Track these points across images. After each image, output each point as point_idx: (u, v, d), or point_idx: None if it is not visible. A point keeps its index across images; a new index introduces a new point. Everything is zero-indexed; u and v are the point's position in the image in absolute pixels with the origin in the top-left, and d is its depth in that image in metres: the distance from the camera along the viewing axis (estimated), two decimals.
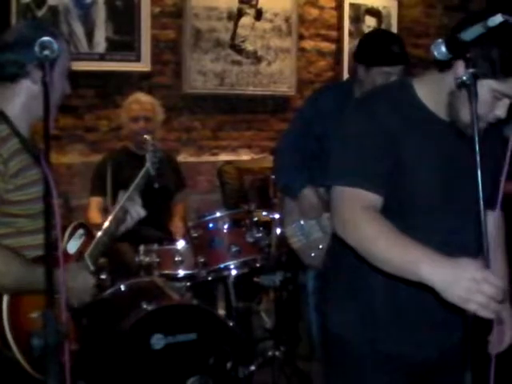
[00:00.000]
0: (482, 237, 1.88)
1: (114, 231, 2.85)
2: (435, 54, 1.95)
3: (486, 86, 2.04)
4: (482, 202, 1.89)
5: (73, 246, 2.67)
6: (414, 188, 2.19)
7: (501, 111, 2.12)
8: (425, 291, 1.95)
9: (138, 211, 2.91)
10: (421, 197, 2.20)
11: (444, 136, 2.22)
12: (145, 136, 3.87)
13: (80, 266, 2.62)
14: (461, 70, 2.03)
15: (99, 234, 2.78)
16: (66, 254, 2.63)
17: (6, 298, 2.32)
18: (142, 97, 5.03)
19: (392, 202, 2.16)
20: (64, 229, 2.66)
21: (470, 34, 1.87)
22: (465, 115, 2.11)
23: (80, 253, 2.69)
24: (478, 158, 1.90)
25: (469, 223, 2.24)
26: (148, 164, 3.39)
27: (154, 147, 3.53)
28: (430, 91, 2.23)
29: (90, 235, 2.76)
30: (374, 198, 2.13)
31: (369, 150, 2.15)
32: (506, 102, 2.10)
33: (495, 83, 2.03)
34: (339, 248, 2.27)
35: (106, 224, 2.82)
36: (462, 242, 2.20)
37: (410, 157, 2.17)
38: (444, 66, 2.12)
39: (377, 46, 3.63)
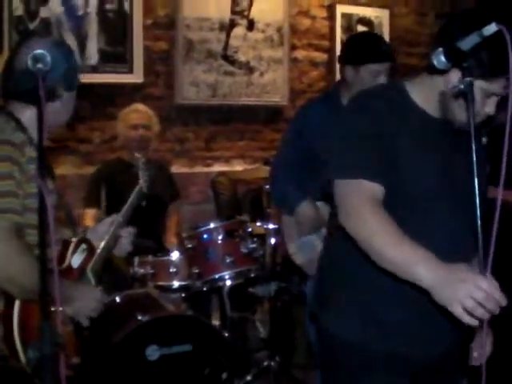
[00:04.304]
0: (477, 241, 1.90)
1: (112, 247, 2.90)
2: (435, 63, 1.98)
3: (475, 86, 2.06)
4: (478, 208, 1.89)
5: (76, 261, 2.71)
6: (410, 186, 2.22)
7: (490, 108, 2.18)
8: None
9: (125, 245, 2.98)
10: (416, 195, 2.23)
11: (438, 134, 2.27)
12: (136, 154, 3.91)
13: (83, 287, 2.68)
14: (452, 73, 2.09)
15: (99, 250, 2.82)
16: (69, 268, 2.68)
17: (16, 308, 2.35)
18: (140, 106, 5.09)
19: (386, 199, 2.17)
20: (67, 244, 2.70)
21: (467, 43, 1.90)
22: (458, 114, 2.18)
23: (82, 268, 2.72)
24: (475, 167, 1.92)
25: (463, 222, 2.26)
26: (141, 182, 3.41)
27: (146, 165, 3.56)
28: (422, 92, 2.28)
29: (91, 250, 2.79)
30: (377, 188, 2.15)
31: (369, 143, 2.17)
32: (495, 99, 2.16)
33: (484, 83, 2.09)
34: (338, 248, 2.32)
35: (105, 241, 2.86)
36: (454, 240, 2.23)
37: (406, 154, 2.20)
38: (434, 68, 2.16)
39: (364, 45, 3.67)
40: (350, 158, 2.20)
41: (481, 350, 2.35)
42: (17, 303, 2.36)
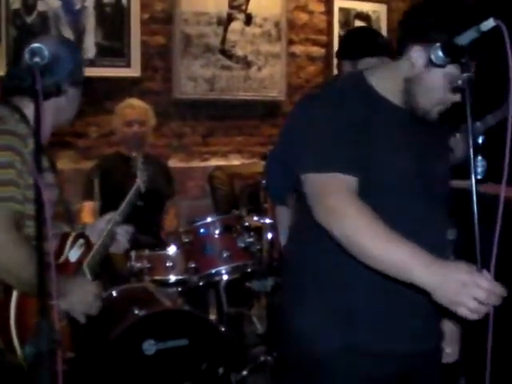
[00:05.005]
0: (474, 237, 1.88)
1: (109, 244, 2.94)
2: (432, 58, 1.98)
3: (439, 72, 2.09)
4: (475, 207, 1.88)
5: (74, 255, 2.71)
6: (384, 176, 2.16)
7: (456, 95, 2.16)
8: (405, 287, 1.96)
9: (123, 243, 2.99)
10: (390, 185, 2.17)
11: (405, 124, 2.23)
12: (134, 154, 3.91)
13: (78, 280, 2.67)
14: (415, 54, 2.12)
15: (96, 246, 2.83)
16: (67, 262, 2.70)
17: (13, 302, 2.36)
18: (135, 102, 5.08)
19: (362, 189, 2.11)
20: (65, 238, 2.70)
21: (465, 38, 1.90)
22: (423, 100, 2.17)
23: (79, 262, 2.74)
24: (472, 161, 1.90)
25: (436, 211, 2.26)
26: (138, 181, 3.42)
27: (145, 165, 3.56)
28: (384, 80, 2.25)
29: (88, 245, 2.80)
30: (353, 181, 2.09)
31: (341, 134, 2.11)
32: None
33: (452, 68, 2.07)
34: (309, 247, 2.26)
35: (102, 238, 2.87)
36: (425, 229, 2.18)
37: (376, 144, 2.15)
38: (396, 54, 2.20)
39: (361, 39, 3.65)
40: (323, 151, 2.14)
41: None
42: (14, 296, 2.36)
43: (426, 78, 2.14)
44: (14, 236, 2.28)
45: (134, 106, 5.01)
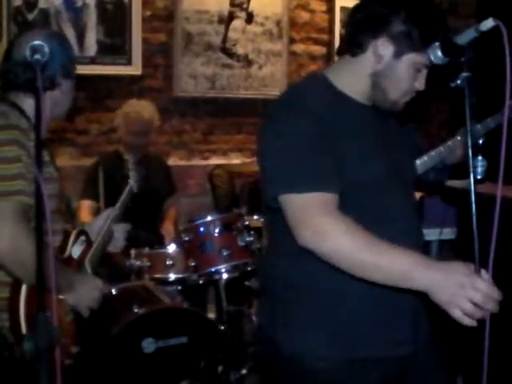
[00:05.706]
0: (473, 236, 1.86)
1: (108, 241, 2.98)
2: (431, 57, 1.98)
3: (406, 61, 2.11)
4: (474, 207, 1.87)
5: (76, 251, 2.76)
6: (355, 175, 2.11)
7: (420, 83, 2.18)
8: (392, 290, 1.96)
9: (120, 241, 3.03)
10: (367, 184, 2.14)
11: (371, 121, 2.22)
12: (126, 157, 3.92)
13: (85, 276, 2.74)
14: (382, 47, 2.11)
15: (95, 243, 2.88)
16: (71, 258, 2.74)
17: (23, 296, 2.37)
18: (141, 106, 5.01)
19: (343, 194, 2.08)
20: (67, 235, 2.73)
21: (464, 38, 1.90)
22: (392, 92, 2.17)
23: (81, 259, 2.79)
24: (471, 161, 1.89)
25: (410, 206, 2.27)
26: (131, 182, 3.44)
27: (137, 166, 3.58)
28: (346, 78, 2.23)
29: (89, 242, 2.83)
30: (335, 197, 2.04)
31: (315, 149, 2.05)
32: (424, 73, 2.16)
33: (416, 56, 2.10)
34: (291, 264, 2.20)
35: (101, 235, 2.90)
36: (407, 223, 2.19)
37: (350, 146, 2.12)
38: (358, 49, 2.17)
39: None
40: (300, 170, 2.04)
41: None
42: (23, 290, 2.38)
43: (396, 68, 2.13)
44: (23, 227, 2.30)
45: (141, 115, 4.93)
